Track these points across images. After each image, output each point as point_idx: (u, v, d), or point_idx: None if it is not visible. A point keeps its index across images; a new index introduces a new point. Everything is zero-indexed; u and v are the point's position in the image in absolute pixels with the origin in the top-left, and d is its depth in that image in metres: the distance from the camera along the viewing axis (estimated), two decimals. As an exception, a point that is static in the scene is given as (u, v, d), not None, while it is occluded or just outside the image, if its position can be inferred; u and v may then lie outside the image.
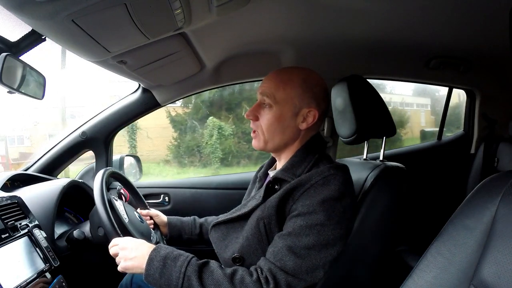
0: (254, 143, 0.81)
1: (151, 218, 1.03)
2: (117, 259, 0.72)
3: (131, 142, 5.02)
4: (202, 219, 1.05)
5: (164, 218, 1.03)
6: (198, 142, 4.80)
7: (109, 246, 0.75)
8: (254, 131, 0.80)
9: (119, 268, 0.71)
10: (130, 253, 0.69)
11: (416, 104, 4.26)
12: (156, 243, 0.97)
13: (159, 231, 1.03)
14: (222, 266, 0.70)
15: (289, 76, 0.77)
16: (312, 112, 0.76)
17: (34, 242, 0.79)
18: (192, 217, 1.05)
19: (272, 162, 0.90)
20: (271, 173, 0.84)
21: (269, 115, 0.76)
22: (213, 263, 0.69)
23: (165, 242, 1.02)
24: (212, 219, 1.05)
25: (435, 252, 0.55)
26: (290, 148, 0.80)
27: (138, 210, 1.02)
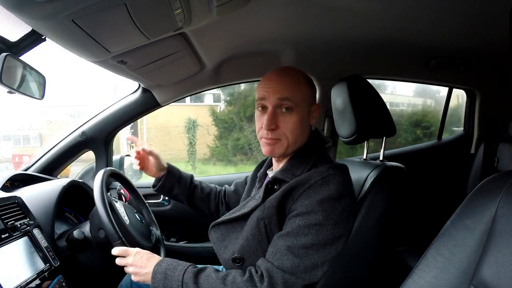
0: (273, 149, 0.75)
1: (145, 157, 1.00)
2: (126, 270, 0.76)
3: (191, 139, 5.07)
4: (197, 182, 1.07)
5: (163, 163, 1.01)
6: (249, 140, 4.81)
7: (114, 253, 0.77)
8: (275, 139, 0.74)
9: (133, 279, 0.76)
10: (141, 270, 0.74)
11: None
12: (156, 240, 0.98)
13: (155, 229, 1.03)
14: (219, 270, 0.71)
15: (295, 77, 0.75)
16: (316, 106, 0.79)
17: (34, 242, 0.79)
18: (190, 174, 1.06)
19: (271, 162, 0.90)
20: (270, 173, 0.84)
21: (292, 119, 0.73)
22: (209, 269, 0.71)
23: (164, 241, 1.02)
24: (206, 185, 1.07)
25: (435, 252, 0.55)
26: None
27: (134, 150, 0.99)
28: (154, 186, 1.02)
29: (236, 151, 4.99)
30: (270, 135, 0.74)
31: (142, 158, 0.99)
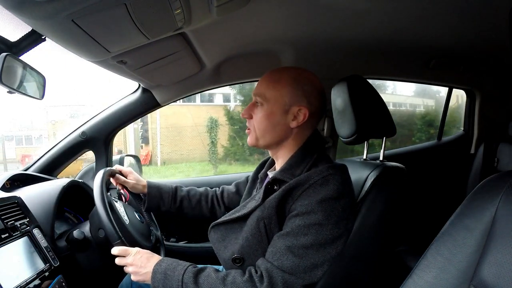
0: (248, 139, 0.83)
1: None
2: (125, 269, 0.76)
3: (213, 139, 5.06)
4: (184, 192, 1.06)
5: (142, 187, 1.02)
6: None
7: (114, 253, 0.77)
8: (249, 129, 0.82)
9: (132, 279, 0.76)
10: (141, 270, 0.74)
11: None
12: (156, 240, 0.98)
13: (156, 232, 1.03)
14: (219, 270, 0.71)
15: (280, 75, 0.78)
16: (302, 110, 0.76)
17: (34, 242, 0.79)
18: (174, 187, 1.06)
19: (273, 162, 0.90)
20: (270, 174, 0.84)
21: (260, 113, 0.78)
22: (209, 269, 0.71)
23: (163, 241, 1.02)
24: (194, 192, 1.06)
25: (435, 252, 0.55)
26: (285, 147, 0.80)
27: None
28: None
29: (253, 150, 4.98)
30: (247, 123, 0.83)
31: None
